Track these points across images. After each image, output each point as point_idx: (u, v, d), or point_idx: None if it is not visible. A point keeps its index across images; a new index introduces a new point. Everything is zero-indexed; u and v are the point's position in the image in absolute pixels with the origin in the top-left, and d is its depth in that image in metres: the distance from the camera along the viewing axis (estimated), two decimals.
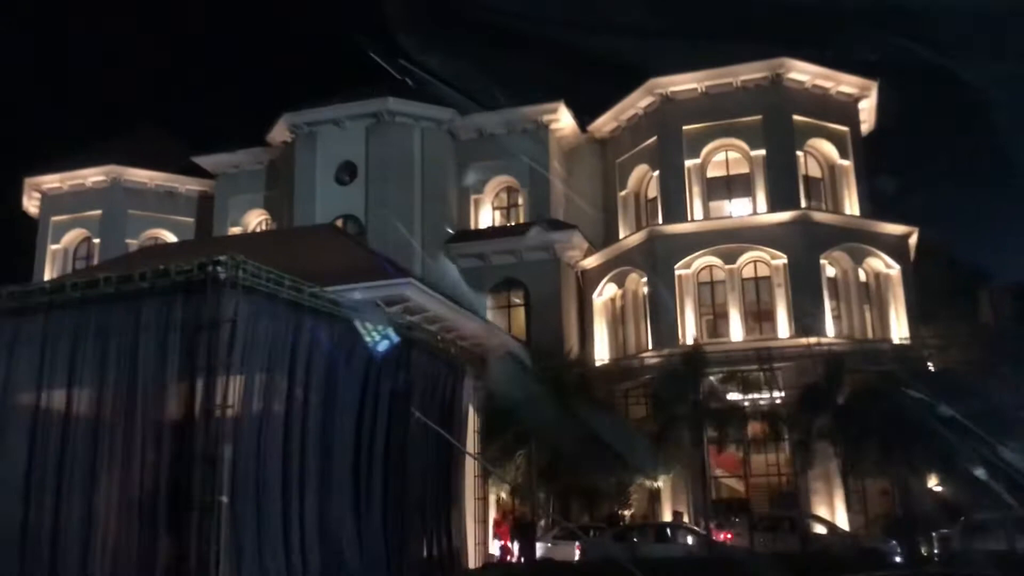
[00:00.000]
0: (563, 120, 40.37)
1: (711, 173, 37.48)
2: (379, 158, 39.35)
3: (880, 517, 29.75)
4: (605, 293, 38.49)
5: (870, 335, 34.90)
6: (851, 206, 36.89)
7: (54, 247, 44.45)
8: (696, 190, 36.92)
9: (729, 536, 28.11)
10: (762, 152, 36.30)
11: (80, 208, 44.47)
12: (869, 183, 37.68)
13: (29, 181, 45.24)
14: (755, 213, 35.94)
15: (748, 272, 35.19)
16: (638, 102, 38.53)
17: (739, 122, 36.64)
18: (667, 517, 30.75)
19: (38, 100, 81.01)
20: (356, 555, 16.67)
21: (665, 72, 37.29)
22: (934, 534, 26.46)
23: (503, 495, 30.88)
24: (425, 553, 19.42)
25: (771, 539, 26.46)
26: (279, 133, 41.80)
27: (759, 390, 30.42)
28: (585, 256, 38.79)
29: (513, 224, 40.30)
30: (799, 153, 36.55)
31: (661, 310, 35.04)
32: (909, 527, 26.65)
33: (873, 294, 36.01)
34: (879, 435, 27.11)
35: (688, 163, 37.04)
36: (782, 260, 34.27)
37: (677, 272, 35.20)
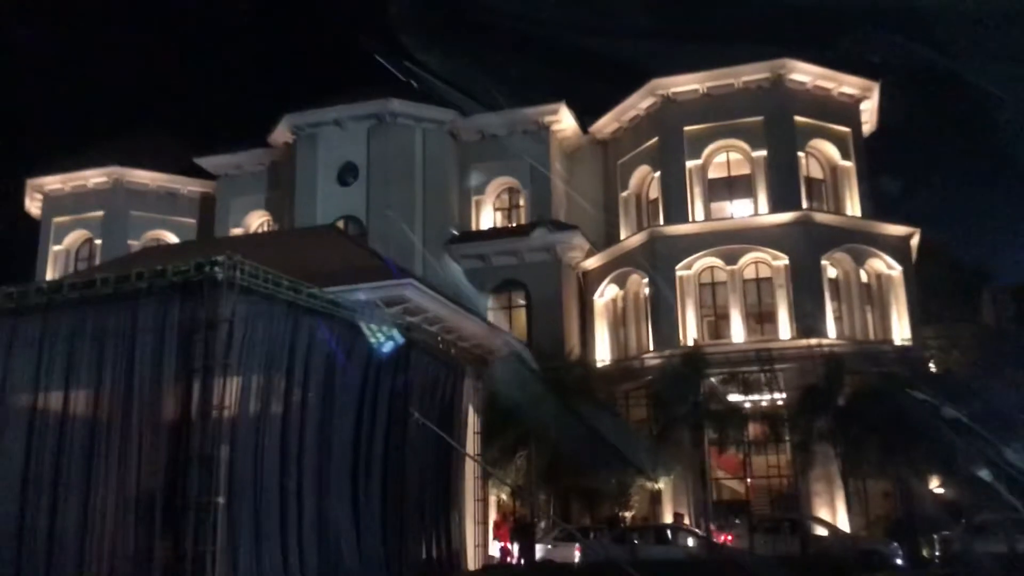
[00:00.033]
0: (564, 121, 40.33)
1: (712, 174, 37.42)
2: (380, 159, 39.36)
3: (881, 519, 29.72)
4: (606, 294, 38.45)
5: (872, 336, 34.81)
6: (853, 207, 36.81)
7: (56, 248, 44.49)
8: (697, 191, 36.86)
9: (729, 538, 28.05)
10: (763, 153, 36.26)
11: (82, 209, 44.50)
12: (871, 184, 37.64)
13: (31, 182, 45.31)
14: (756, 214, 35.88)
15: (749, 273, 35.13)
16: (639, 103, 38.49)
17: (740, 123, 36.58)
18: (668, 519, 30.70)
19: (40, 101, 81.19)
20: (354, 557, 16.64)
21: (666, 73, 37.24)
22: (935, 536, 26.39)
23: (503, 496, 30.82)
24: (424, 555, 19.37)
25: (772, 541, 26.37)
26: (281, 134, 41.82)
27: (760, 391, 30.37)
28: (586, 257, 38.75)
29: (514, 225, 40.28)
30: (800, 154, 36.48)
31: (662, 311, 35.00)
32: (910, 529, 26.60)
33: (875, 295, 35.93)
34: (880, 436, 27.04)
35: (689, 164, 36.99)
36: (783, 261, 34.21)
37: (678, 273, 35.15)
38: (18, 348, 15.08)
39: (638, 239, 36.82)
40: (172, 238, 44.35)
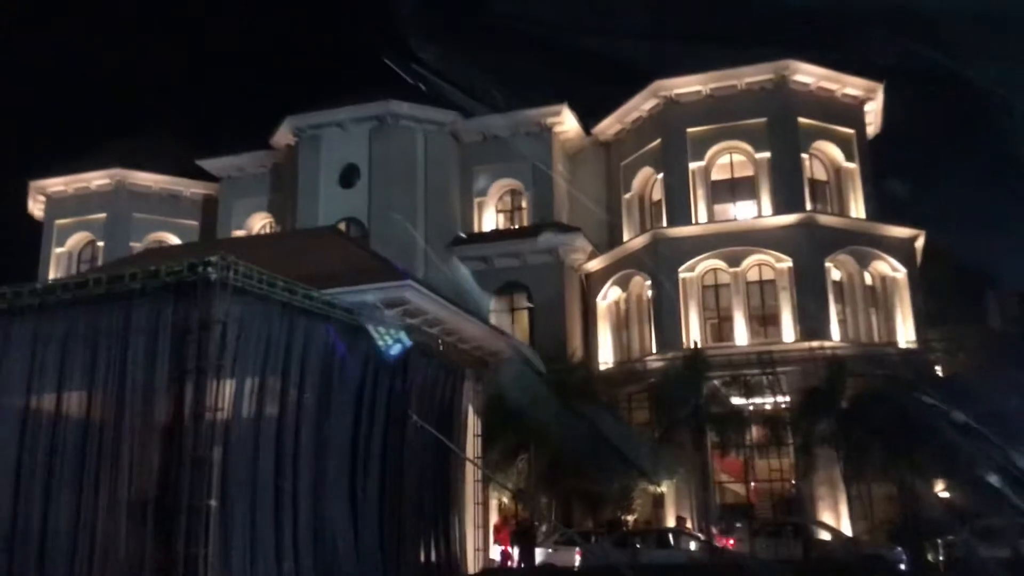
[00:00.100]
0: (567, 123, 40.17)
1: (715, 176, 37.23)
2: (382, 161, 39.25)
3: (885, 523, 29.44)
4: (609, 296, 38.27)
5: (876, 339, 34.58)
6: (857, 209, 36.60)
7: (59, 250, 44.53)
8: (700, 193, 36.67)
9: (731, 542, 27.83)
10: (767, 155, 36.06)
11: (84, 211, 44.52)
12: (875, 186, 37.40)
13: (34, 184, 45.34)
14: (760, 216, 35.68)
15: (753, 275, 34.91)
16: (642, 104, 38.32)
17: (744, 124, 36.39)
18: (671, 522, 30.49)
19: (43, 103, 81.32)
20: (351, 559, 16.50)
21: (669, 74, 37.07)
22: (940, 540, 26.14)
23: (504, 500, 30.63)
24: (423, 558, 19.25)
25: (774, 545, 26.15)
26: (283, 136, 41.75)
27: (763, 394, 30.17)
28: (589, 259, 38.58)
29: (517, 227, 40.14)
30: (804, 156, 36.24)
31: (665, 313, 34.81)
32: (914, 533, 26.34)
33: (879, 298, 35.68)
34: (884, 440, 26.79)
35: (692, 166, 36.80)
36: (787, 263, 34.00)
37: (681, 275, 34.95)
38: (11, 349, 15.01)
39: (641, 241, 36.65)
40: (174, 240, 44.32)
